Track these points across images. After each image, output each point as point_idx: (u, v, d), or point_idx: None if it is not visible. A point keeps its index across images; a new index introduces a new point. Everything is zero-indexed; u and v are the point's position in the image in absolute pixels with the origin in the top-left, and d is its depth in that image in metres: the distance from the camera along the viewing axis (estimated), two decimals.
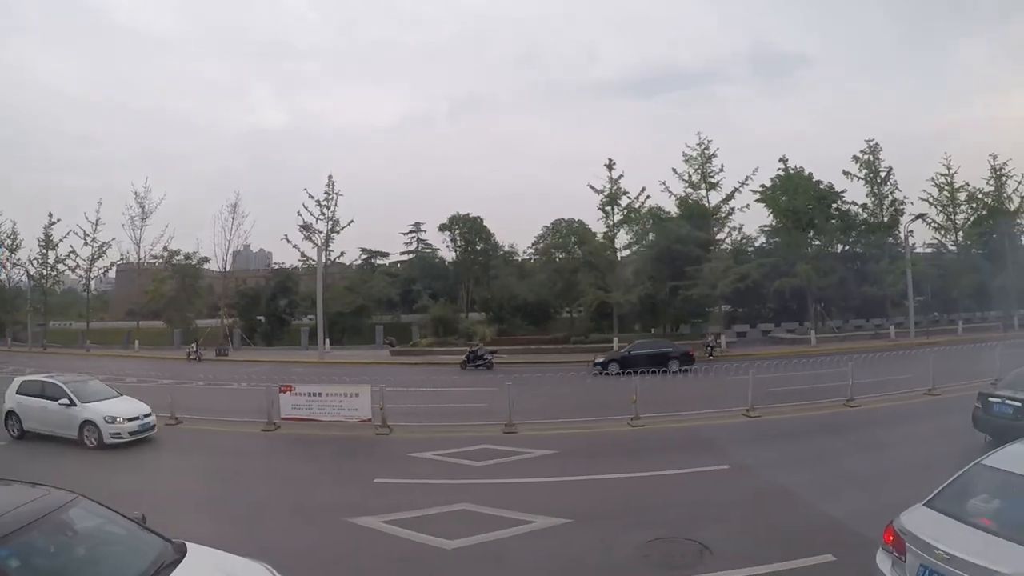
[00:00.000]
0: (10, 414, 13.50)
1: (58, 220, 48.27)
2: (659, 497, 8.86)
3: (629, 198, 37.01)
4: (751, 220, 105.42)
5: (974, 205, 43.44)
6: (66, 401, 12.79)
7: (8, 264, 49.88)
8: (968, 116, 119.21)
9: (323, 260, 40.20)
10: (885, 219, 41.39)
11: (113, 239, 47.34)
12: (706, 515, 7.84)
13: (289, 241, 42.70)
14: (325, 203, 41.88)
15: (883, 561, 4.88)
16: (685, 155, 37.30)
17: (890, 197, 41.03)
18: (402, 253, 49.56)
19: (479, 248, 42.87)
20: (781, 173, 39.78)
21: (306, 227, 39.80)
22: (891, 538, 4.86)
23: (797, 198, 38.60)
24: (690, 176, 37.09)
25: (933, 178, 42.83)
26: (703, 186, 37.40)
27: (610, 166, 36.90)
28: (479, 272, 41.97)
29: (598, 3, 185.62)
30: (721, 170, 37.22)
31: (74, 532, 4.15)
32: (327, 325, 45.36)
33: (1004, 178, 43.47)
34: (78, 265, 47.89)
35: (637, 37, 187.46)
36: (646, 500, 8.78)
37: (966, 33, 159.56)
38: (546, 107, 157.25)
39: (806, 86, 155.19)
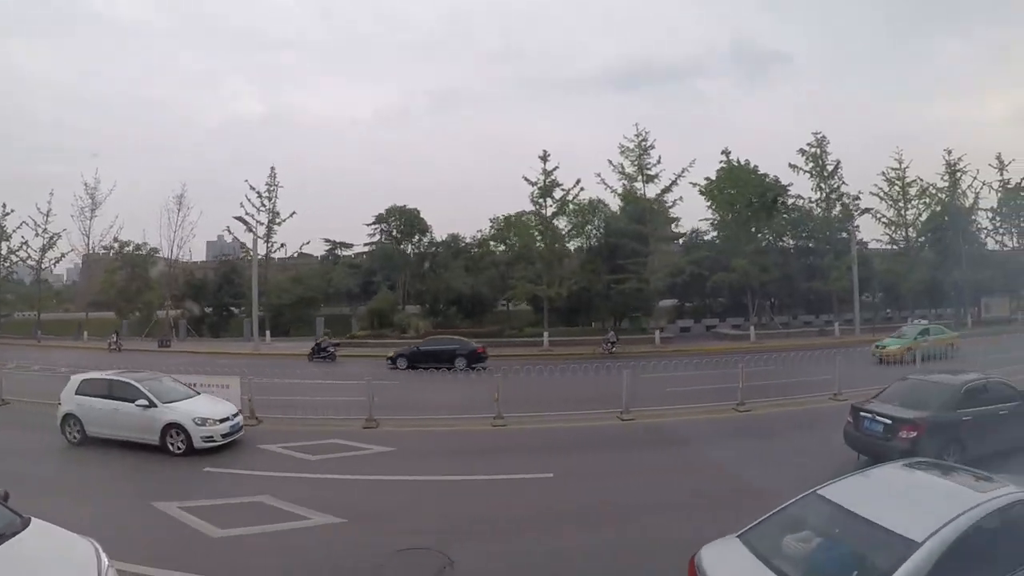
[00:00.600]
0: (68, 417, 12.05)
1: (12, 211, 48.22)
2: (456, 504, 8.62)
3: (563, 190, 36.47)
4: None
5: (927, 201, 42.45)
6: (144, 402, 11.49)
7: None
8: (943, 114, 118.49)
9: (260, 252, 39.95)
10: (833, 214, 40.47)
11: (64, 230, 47.12)
12: (485, 528, 7.59)
13: (231, 232, 42.60)
14: (266, 195, 41.57)
15: None
16: (621, 147, 36.66)
17: (838, 191, 40.09)
18: (365, 244, 49.05)
19: (415, 240, 42.53)
20: (723, 166, 39.04)
21: (241, 219, 39.42)
22: (691, 574, 4.41)
23: (739, 192, 37.86)
24: (623, 168, 36.36)
25: (884, 172, 41.88)
26: (640, 178, 36.72)
27: (544, 158, 36.29)
28: (416, 264, 41.62)
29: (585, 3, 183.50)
30: (659, 162, 36.59)
31: None
32: (273, 317, 45.71)
33: (959, 174, 42.50)
34: (29, 256, 47.72)
35: (617, 35, 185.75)
36: (441, 506, 8.52)
37: (947, 33, 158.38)
38: (526, 101, 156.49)
39: (784, 82, 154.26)
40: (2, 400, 15.23)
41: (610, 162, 36.64)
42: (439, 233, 44.06)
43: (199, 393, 12.79)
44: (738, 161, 39.15)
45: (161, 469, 10.54)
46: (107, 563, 5.18)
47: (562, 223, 37.61)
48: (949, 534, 3.86)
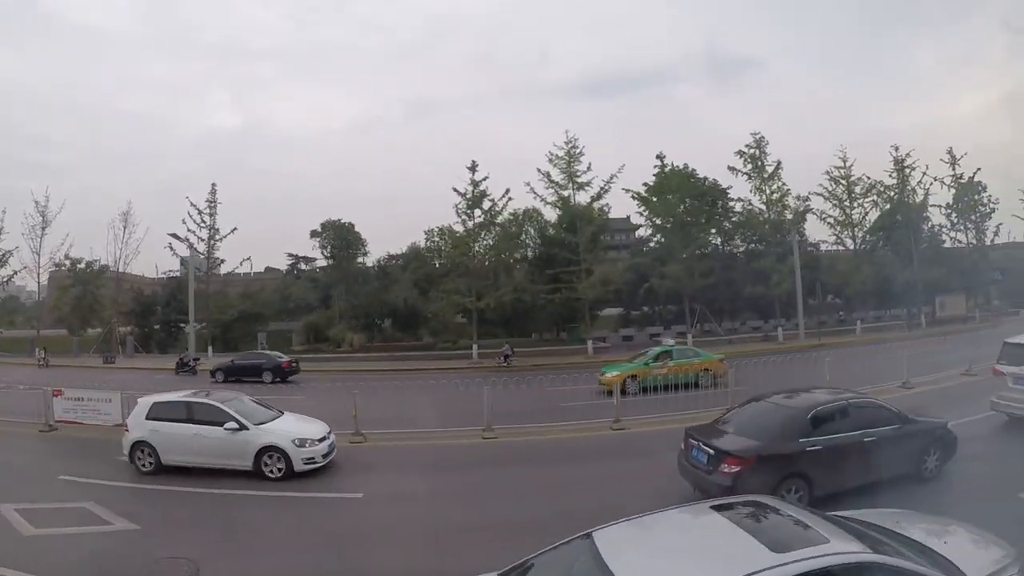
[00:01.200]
0: (139, 445, 11.12)
1: None
2: (255, 519, 9.01)
3: (491, 200, 35.93)
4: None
5: (875, 199, 41.38)
6: (234, 425, 10.73)
7: None
8: (916, 114, 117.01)
9: (196, 268, 39.96)
10: (774, 216, 39.49)
11: (16, 248, 47.27)
12: (257, 544, 8.04)
13: (173, 250, 42.56)
14: (207, 211, 41.52)
15: None
16: (550, 155, 35.95)
17: (779, 192, 39.13)
18: (326, 258, 48.91)
19: (349, 254, 42.28)
20: (657, 171, 38.25)
21: (175, 235, 39.40)
22: None
23: (674, 196, 37.10)
24: (549, 176, 35.68)
25: (828, 171, 40.82)
26: (571, 186, 36.06)
27: (473, 169, 35.78)
28: (351, 278, 41.36)
29: (550, 7, 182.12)
30: (589, 168, 35.90)
31: None
32: (222, 332, 45.76)
33: (908, 170, 41.38)
34: None
35: (591, 40, 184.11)
36: (239, 520, 8.99)
37: (918, 35, 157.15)
38: (502, 109, 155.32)
39: (757, 87, 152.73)
40: None
41: (538, 170, 36.02)
42: (400, 245, 43.92)
43: (283, 413, 12.15)
44: (673, 165, 38.33)
45: (34, 475, 11.32)
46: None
47: (493, 233, 37.02)
48: None
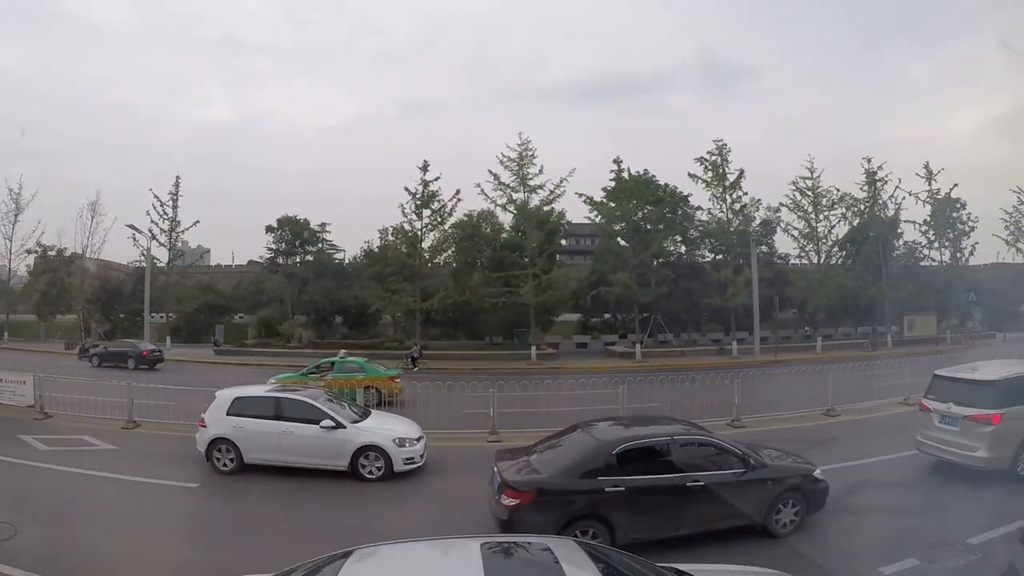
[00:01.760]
0: (218, 442, 10.52)
1: None
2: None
3: (441, 201, 35.63)
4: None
5: (843, 212, 40.08)
6: (330, 423, 10.31)
7: None
8: (911, 132, 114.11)
9: (155, 259, 40.25)
10: (737, 226, 38.45)
11: None
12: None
13: (136, 241, 42.85)
14: (169, 204, 41.92)
15: None
16: (502, 157, 35.48)
17: (741, 202, 38.13)
18: (307, 254, 49.12)
19: (304, 249, 42.35)
20: (614, 176, 37.56)
21: (132, 226, 39.76)
22: None
23: (627, 203, 36.36)
24: (498, 178, 35.21)
25: (795, 182, 39.62)
26: (522, 189, 35.55)
27: (424, 169, 35.59)
28: (305, 274, 41.39)
29: (546, 12, 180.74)
30: (541, 171, 35.40)
31: None
32: (187, 323, 46.16)
33: (880, 183, 40.04)
34: None
35: (585, 45, 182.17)
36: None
37: (913, 50, 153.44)
38: (496, 112, 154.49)
39: (754, 97, 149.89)
40: None
41: (489, 171, 35.61)
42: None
43: (370, 411, 11.91)
44: (629, 171, 37.61)
45: None
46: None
47: (442, 234, 36.73)
48: None
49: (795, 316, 44.61)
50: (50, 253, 47.94)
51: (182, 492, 9.80)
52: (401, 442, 10.34)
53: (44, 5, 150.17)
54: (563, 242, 44.17)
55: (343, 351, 22.80)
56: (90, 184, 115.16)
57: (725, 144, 37.61)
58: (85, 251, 46.02)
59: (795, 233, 39.80)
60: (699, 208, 39.06)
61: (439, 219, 35.66)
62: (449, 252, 38.13)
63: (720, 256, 41.33)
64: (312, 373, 18.86)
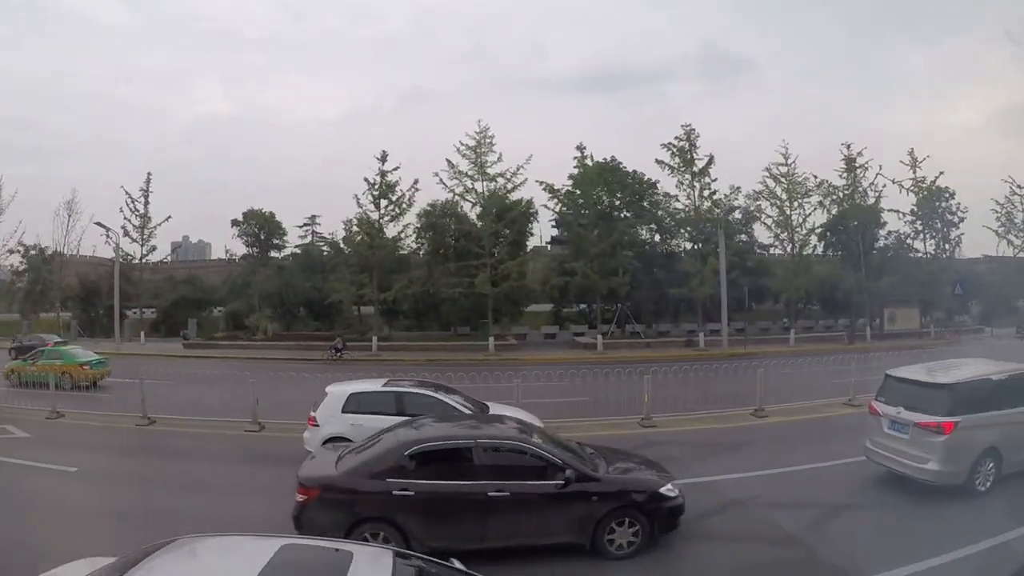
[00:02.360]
0: (334, 441, 9.69)
1: None
2: None
3: (400, 191, 35.18)
4: None
5: (821, 199, 38.63)
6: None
7: None
8: (911, 121, 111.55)
9: (127, 255, 40.54)
10: (705, 214, 37.20)
11: None
12: None
13: (108, 238, 43.16)
14: (140, 199, 42.22)
15: None
16: (460, 145, 34.85)
17: (708, 190, 36.89)
18: (296, 246, 49.25)
19: (269, 242, 42.29)
20: (577, 163, 36.70)
21: (100, 224, 40.16)
22: None
23: (589, 189, 35.51)
24: (454, 165, 34.59)
25: (769, 169, 38.26)
26: (479, 178, 34.89)
27: (383, 159, 35.17)
28: (270, 267, 41.34)
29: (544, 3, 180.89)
30: (500, 159, 34.73)
31: None
32: (164, 318, 46.43)
33: (861, 170, 38.55)
34: None
35: (581, 36, 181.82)
36: None
37: (913, 42, 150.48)
38: (494, 102, 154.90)
39: (753, 88, 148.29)
40: None
41: (448, 160, 35.00)
42: None
43: (487, 405, 11.50)
44: (592, 157, 36.72)
45: None
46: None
47: (401, 225, 36.31)
48: None
49: (775, 308, 43.14)
50: (32, 252, 48.77)
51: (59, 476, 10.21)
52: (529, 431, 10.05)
53: None
54: (555, 232, 43.66)
55: (55, 339, 27.77)
56: (89, 181, 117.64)
57: (694, 130, 36.45)
58: (58, 249, 46.80)
59: (768, 222, 38.53)
60: (675, 197, 37.85)
61: (398, 209, 35.12)
62: (414, 242, 37.75)
63: (698, 246, 40.22)
64: (27, 360, 21.31)
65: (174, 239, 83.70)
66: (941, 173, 39.29)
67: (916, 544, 6.90)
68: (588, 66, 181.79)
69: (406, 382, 11.41)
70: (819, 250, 40.20)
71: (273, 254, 53.20)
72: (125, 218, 42.24)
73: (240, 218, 41.74)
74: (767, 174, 37.99)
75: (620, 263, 35.71)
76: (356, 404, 10.20)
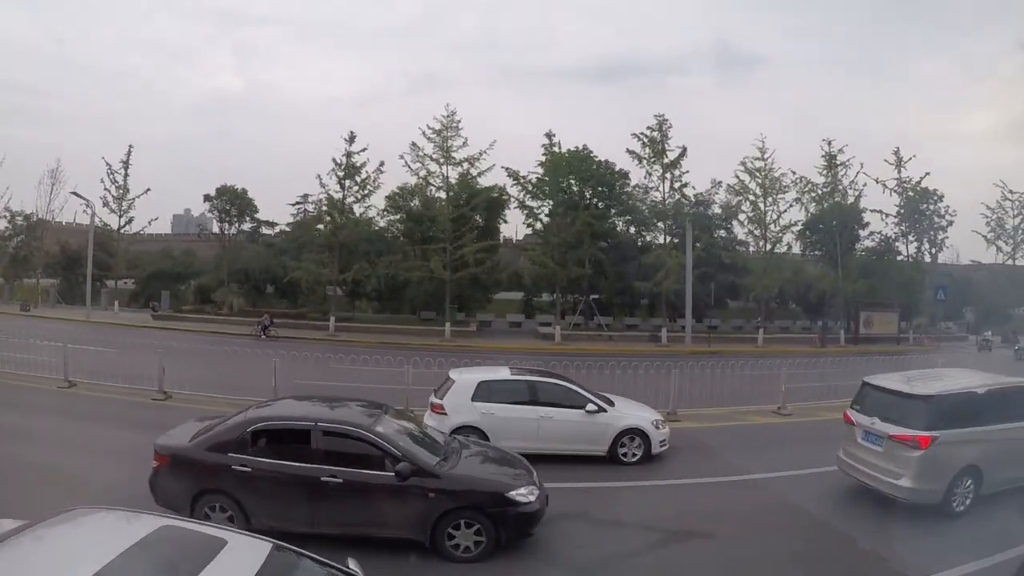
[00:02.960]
0: (464, 430, 9.55)
1: None
2: None
3: (366, 172, 34.81)
4: None
5: (799, 196, 37.52)
6: (594, 407, 10.07)
7: None
8: (924, 128, 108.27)
9: (107, 225, 40.87)
10: (673, 205, 36.34)
11: None
12: None
13: (88, 209, 43.52)
14: (120, 171, 42.51)
15: None
16: (428, 129, 34.24)
17: (679, 183, 35.99)
18: (287, 224, 49.42)
19: (241, 218, 42.46)
20: (545, 151, 36.00)
21: (76, 193, 40.47)
22: None
23: (554, 178, 34.84)
24: (418, 149, 34.06)
25: (744, 163, 37.18)
26: (445, 162, 34.36)
27: (350, 140, 34.74)
28: (241, 244, 41.55)
29: None
30: (465, 144, 34.16)
31: None
32: (143, 289, 47.01)
33: (841, 167, 37.31)
34: None
35: (594, 27, 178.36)
36: None
37: (930, 46, 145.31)
38: (504, 89, 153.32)
39: (764, 84, 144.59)
40: None
41: (414, 144, 34.49)
42: None
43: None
44: (560, 145, 36.02)
45: None
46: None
47: (366, 206, 36.03)
48: None
49: (749, 306, 42.25)
50: (18, 219, 49.51)
51: None
52: (657, 424, 10.40)
53: None
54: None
55: None
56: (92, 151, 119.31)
57: (667, 120, 35.48)
58: (43, 216, 47.30)
59: (742, 218, 37.57)
60: (654, 188, 36.99)
61: (363, 191, 34.81)
62: (384, 225, 37.51)
63: (673, 240, 39.44)
64: None
65: (176, 212, 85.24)
66: (927, 174, 38.00)
67: None
68: (588, 54, 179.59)
69: (527, 372, 11.39)
70: (796, 249, 39.14)
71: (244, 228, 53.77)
72: (105, 188, 42.72)
73: (213, 193, 41.67)
74: (742, 168, 36.98)
75: (586, 254, 35.09)
76: (487, 393, 10.09)
